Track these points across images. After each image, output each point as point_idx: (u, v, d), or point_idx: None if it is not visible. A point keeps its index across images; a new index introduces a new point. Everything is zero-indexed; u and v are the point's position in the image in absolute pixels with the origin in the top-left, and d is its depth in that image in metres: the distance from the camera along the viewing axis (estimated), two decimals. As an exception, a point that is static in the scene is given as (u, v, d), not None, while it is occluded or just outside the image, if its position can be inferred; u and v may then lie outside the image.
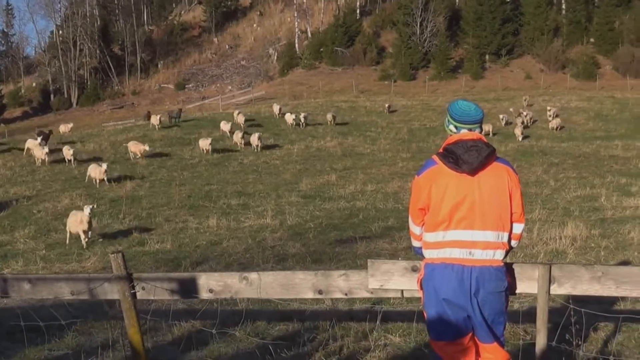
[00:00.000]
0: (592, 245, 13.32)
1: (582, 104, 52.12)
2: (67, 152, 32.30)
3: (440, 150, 4.83)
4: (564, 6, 79.72)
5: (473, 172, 4.63)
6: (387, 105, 49.91)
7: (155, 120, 44.20)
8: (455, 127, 4.86)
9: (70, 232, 17.26)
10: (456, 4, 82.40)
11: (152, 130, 42.10)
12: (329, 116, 44.67)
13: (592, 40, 76.39)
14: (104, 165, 27.12)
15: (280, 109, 47.38)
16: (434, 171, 4.74)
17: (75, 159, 32.25)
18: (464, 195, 4.65)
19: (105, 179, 26.93)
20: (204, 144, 34.99)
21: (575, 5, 77.76)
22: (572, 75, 69.70)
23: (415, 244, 5.01)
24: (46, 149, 32.86)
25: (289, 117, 43.81)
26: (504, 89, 66.11)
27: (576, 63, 72.44)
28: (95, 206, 18.60)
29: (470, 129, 4.80)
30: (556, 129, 41.71)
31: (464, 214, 4.65)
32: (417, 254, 5.02)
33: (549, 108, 46.19)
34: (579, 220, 15.83)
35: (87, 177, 27.61)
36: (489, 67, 75.34)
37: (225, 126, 40.45)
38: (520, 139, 37.89)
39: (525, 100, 52.39)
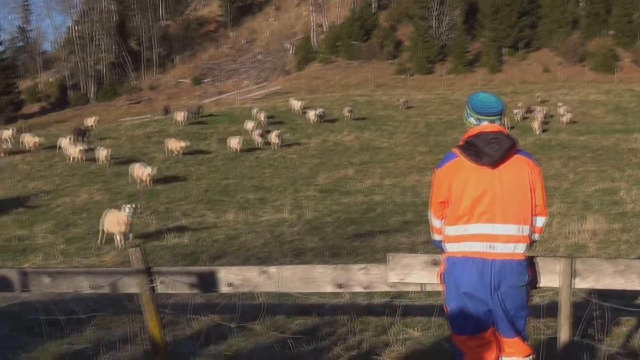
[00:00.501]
0: (613, 239, 13.22)
1: (601, 97, 51.73)
2: (102, 153, 30.54)
3: (461, 142, 4.77)
4: (582, -2, 79.20)
5: (494, 164, 4.58)
6: (402, 100, 49.47)
7: (180, 117, 43.04)
8: (476, 119, 4.77)
9: (104, 231, 16.55)
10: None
11: (168, 125, 42.14)
12: (346, 111, 44.55)
13: (610, 32, 75.70)
14: (150, 168, 25.86)
15: (300, 105, 47.11)
16: (455, 164, 4.68)
17: (109, 159, 30.41)
18: (485, 189, 4.60)
19: (149, 180, 25.64)
20: (234, 142, 33.95)
21: (593, -3, 77.23)
22: (590, 68, 69.13)
23: (435, 237, 4.95)
24: (81, 147, 31.97)
25: (311, 114, 42.84)
26: (522, 82, 65.70)
27: (594, 56, 71.78)
28: (134, 205, 17.36)
29: (491, 121, 4.73)
30: (567, 123, 41.56)
31: (485, 208, 4.60)
32: (437, 247, 4.97)
33: (559, 104, 45.84)
34: (599, 214, 15.72)
35: (129, 177, 26.52)
36: (506, 61, 74.88)
37: (249, 124, 38.77)
38: (537, 132, 37.71)
39: (537, 97, 51.97)
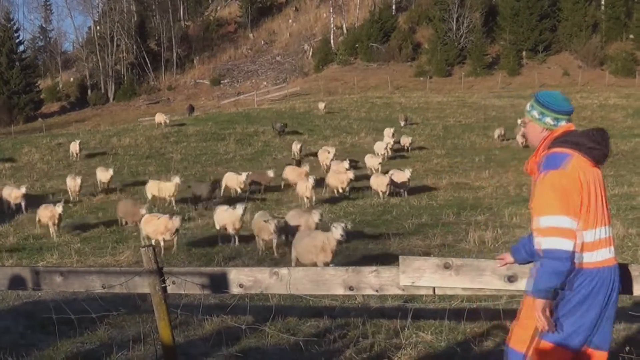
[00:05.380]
0: (630, 244, 13.13)
1: (621, 101, 51.35)
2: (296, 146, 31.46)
3: (549, 141, 4.47)
4: (602, 2, 78.50)
5: (601, 163, 4.50)
6: (403, 118, 43.30)
7: (160, 118, 43.56)
8: (554, 119, 4.54)
9: (147, 238, 15.84)
10: (493, 0, 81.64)
11: (186, 126, 42.28)
12: (321, 105, 45.79)
13: (631, 36, 75.17)
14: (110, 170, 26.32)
15: (325, 106, 47.04)
16: (577, 162, 4.36)
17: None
18: (599, 188, 4.46)
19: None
20: (296, 147, 31.95)
21: (614, 1, 76.52)
22: (610, 71, 68.67)
23: (564, 245, 4.20)
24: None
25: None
26: (541, 85, 65.32)
27: (615, 59, 71.32)
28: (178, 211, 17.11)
29: (568, 120, 4.59)
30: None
31: (602, 209, 4.44)
32: (559, 258, 4.20)
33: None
34: (616, 219, 15.59)
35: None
36: (525, 64, 74.54)
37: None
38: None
39: None
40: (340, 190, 23.09)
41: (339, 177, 23.07)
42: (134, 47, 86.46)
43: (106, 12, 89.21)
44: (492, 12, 78.92)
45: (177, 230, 15.29)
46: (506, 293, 4.90)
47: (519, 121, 38.81)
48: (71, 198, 23.99)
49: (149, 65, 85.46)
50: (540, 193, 4.33)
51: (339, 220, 13.75)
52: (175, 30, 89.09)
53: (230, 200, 21.93)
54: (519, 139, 33.23)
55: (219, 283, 5.64)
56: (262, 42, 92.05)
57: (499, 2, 79.75)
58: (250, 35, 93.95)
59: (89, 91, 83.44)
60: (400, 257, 5.14)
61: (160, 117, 43.53)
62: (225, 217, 16.00)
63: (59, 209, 18.45)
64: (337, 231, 11.55)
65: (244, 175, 23.53)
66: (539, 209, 4.31)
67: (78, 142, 33.85)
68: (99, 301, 8.02)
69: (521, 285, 4.86)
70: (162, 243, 15.29)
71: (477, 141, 36.82)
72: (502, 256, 4.93)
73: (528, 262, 4.69)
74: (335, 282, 5.38)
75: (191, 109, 52.49)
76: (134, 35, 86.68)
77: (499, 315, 7.32)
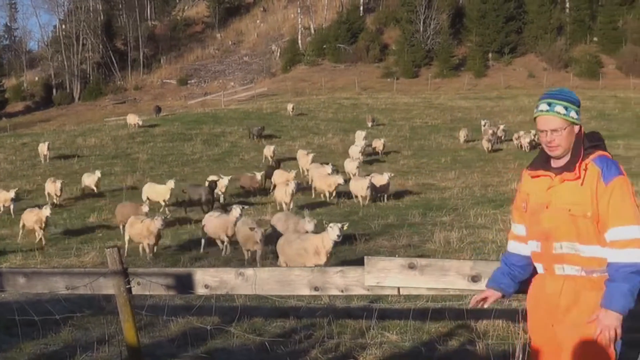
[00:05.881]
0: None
1: (585, 103, 51.85)
2: (268, 150, 30.32)
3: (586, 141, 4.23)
4: (567, 5, 79.53)
5: None
6: (370, 119, 43.29)
7: (132, 119, 42.63)
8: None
9: (128, 240, 15.30)
10: (460, 2, 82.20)
11: (153, 126, 42.03)
12: (289, 106, 45.50)
13: (595, 39, 76.24)
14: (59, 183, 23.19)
15: (293, 108, 46.68)
16: None
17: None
18: None
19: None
20: (268, 151, 31.05)
21: (579, 4, 77.57)
22: (575, 74, 69.56)
23: None
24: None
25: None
26: (507, 87, 66.02)
27: (579, 62, 72.31)
28: (168, 216, 16.42)
29: None
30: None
31: None
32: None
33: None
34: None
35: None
36: (492, 65, 75.22)
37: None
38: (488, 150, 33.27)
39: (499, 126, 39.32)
40: (328, 194, 22.33)
41: (327, 180, 22.43)
42: (100, 46, 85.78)
43: (72, 11, 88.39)
44: (459, 14, 79.55)
45: (159, 232, 14.74)
46: (470, 293, 4.93)
47: (483, 122, 38.72)
48: (49, 202, 22.80)
49: (116, 64, 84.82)
50: (624, 201, 3.99)
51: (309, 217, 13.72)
52: (142, 30, 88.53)
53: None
54: (485, 143, 32.77)
55: (184, 284, 5.63)
56: (230, 43, 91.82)
57: (465, 4, 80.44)
58: (218, 35, 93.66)
59: (54, 91, 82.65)
60: (365, 257, 5.16)
61: (132, 119, 42.83)
62: (217, 225, 14.77)
63: (45, 212, 17.09)
64: (333, 232, 10.97)
65: (225, 179, 22.43)
66: (632, 218, 3.96)
67: (47, 143, 32.95)
68: (63, 302, 7.96)
69: (485, 285, 4.89)
70: (147, 250, 14.64)
71: (444, 142, 37.04)
72: (481, 296, 4.54)
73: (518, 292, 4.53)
74: (300, 283, 5.40)
75: (158, 109, 52.15)
76: (100, 35, 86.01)
77: (463, 315, 7.38)
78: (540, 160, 4.25)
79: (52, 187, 23.00)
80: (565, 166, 4.09)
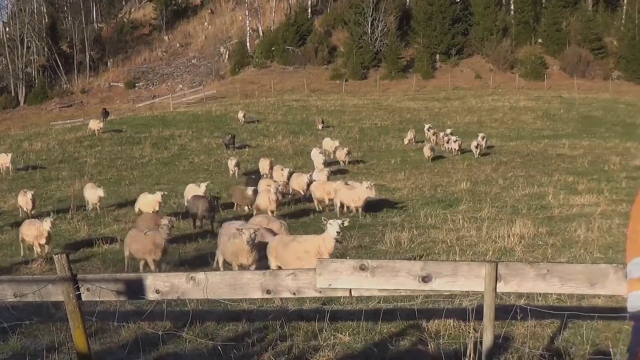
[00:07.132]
0: (540, 243, 13.53)
1: (530, 103, 52.84)
2: (231, 162, 28.08)
3: None
4: (512, 7, 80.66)
5: None
6: (320, 121, 43.46)
7: (94, 125, 40.75)
8: None
9: (128, 255, 13.63)
10: (407, 4, 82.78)
11: (118, 132, 41.45)
12: (240, 114, 44.55)
13: (539, 40, 77.47)
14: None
15: (244, 115, 45.39)
16: None
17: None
18: None
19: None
20: (231, 163, 28.36)
21: (523, 6, 78.72)
22: (520, 75, 70.60)
23: None
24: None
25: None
26: (454, 88, 66.76)
27: (524, 63, 73.48)
28: (172, 222, 13.82)
29: None
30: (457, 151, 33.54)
31: None
32: None
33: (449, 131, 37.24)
34: (527, 218, 16.07)
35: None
36: (439, 67, 75.93)
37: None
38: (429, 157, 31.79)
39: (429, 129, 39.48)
40: (327, 202, 20.90)
41: (325, 187, 21.11)
42: (46, 49, 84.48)
43: (16, 13, 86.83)
44: (406, 16, 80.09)
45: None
46: (421, 293, 5.00)
47: (426, 126, 38.73)
48: (21, 215, 20.80)
49: (61, 67, 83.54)
50: None
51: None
52: (88, 32, 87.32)
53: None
54: (427, 152, 30.74)
55: (135, 289, 5.60)
56: (178, 45, 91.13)
57: (412, 6, 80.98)
58: (165, 37, 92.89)
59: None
60: (316, 259, 5.19)
61: (94, 124, 40.90)
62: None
63: (46, 225, 14.95)
64: (332, 228, 10.06)
65: (203, 186, 20.52)
66: None
67: (10, 155, 30.35)
68: (11, 310, 7.83)
69: (435, 285, 4.96)
70: (152, 266, 12.74)
71: (393, 143, 37.27)
72: None
73: None
74: (252, 286, 5.41)
75: (105, 113, 51.59)
76: (45, 37, 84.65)
77: (414, 315, 7.45)
78: None
79: (24, 199, 20.78)
80: None
